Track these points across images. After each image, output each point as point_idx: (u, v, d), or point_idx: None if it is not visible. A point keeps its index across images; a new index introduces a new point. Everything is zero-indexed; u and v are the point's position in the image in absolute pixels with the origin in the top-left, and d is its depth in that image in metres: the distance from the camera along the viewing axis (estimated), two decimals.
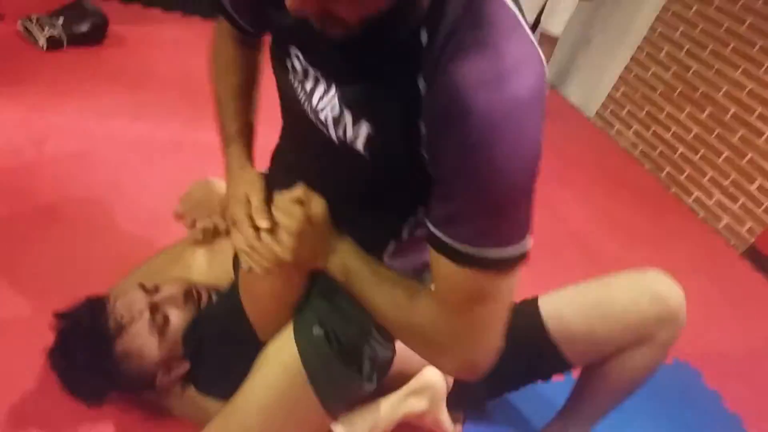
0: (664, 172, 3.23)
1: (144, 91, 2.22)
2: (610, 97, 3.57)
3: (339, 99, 0.84)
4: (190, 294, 1.12)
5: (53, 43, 2.21)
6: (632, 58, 3.45)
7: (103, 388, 1.09)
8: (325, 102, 0.86)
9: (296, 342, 1.03)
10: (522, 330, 1.20)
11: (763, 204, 2.75)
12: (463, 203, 0.72)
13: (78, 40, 2.28)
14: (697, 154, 3.07)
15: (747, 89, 2.84)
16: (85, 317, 1.06)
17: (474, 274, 0.75)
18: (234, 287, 1.10)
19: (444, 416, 1.32)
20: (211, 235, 1.24)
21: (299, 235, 0.92)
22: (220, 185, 1.27)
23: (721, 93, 2.96)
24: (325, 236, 0.95)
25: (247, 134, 1.10)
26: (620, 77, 3.51)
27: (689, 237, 2.85)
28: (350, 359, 1.07)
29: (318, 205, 0.92)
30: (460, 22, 0.69)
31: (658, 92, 3.28)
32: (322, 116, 0.86)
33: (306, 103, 0.89)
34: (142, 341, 1.07)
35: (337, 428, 1.17)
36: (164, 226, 1.61)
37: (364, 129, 0.82)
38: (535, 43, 0.70)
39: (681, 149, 3.15)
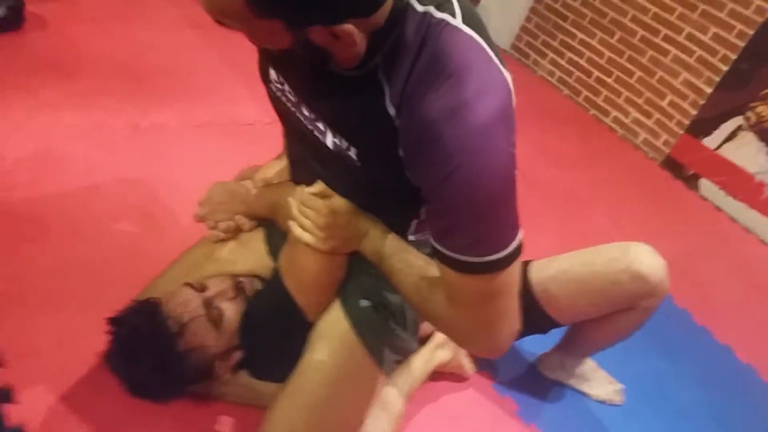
0: (582, 96, 3.46)
1: (83, 76, 2.11)
2: (523, 28, 3.73)
3: (320, 117, 0.93)
4: (238, 286, 1.17)
5: None
6: None
7: (171, 385, 1.13)
8: (312, 113, 0.95)
9: (347, 315, 1.12)
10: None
11: (674, 117, 3.05)
12: (451, 219, 0.82)
13: None
14: (610, 76, 3.31)
15: (651, 12, 3.08)
16: (143, 321, 1.09)
17: (476, 278, 0.84)
18: (275, 278, 1.16)
19: (465, 360, 1.47)
20: (234, 235, 1.28)
21: (327, 226, 1.02)
22: (237, 185, 1.30)
23: (628, 17, 3.18)
24: (353, 223, 1.05)
25: None
26: (531, 9, 3.66)
27: (612, 154, 3.12)
28: (396, 323, 1.17)
29: (338, 197, 1.02)
30: (419, 54, 0.78)
31: (569, 21, 3.47)
32: (315, 125, 0.95)
33: (297, 112, 0.98)
34: (203, 337, 1.11)
35: (388, 389, 1.27)
36: (151, 216, 1.64)
37: (353, 148, 0.91)
38: (498, 64, 0.78)
39: (596, 73, 3.38)
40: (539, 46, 3.65)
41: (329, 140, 0.94)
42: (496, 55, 0.79)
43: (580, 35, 3.42)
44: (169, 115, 2.06)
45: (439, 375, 1.45)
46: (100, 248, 1.49)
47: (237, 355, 1.17)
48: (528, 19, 3.69)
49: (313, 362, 1.11)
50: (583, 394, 1.57)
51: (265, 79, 1.03)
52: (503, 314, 0.90)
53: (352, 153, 0.92)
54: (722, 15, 2.81)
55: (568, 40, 3.49)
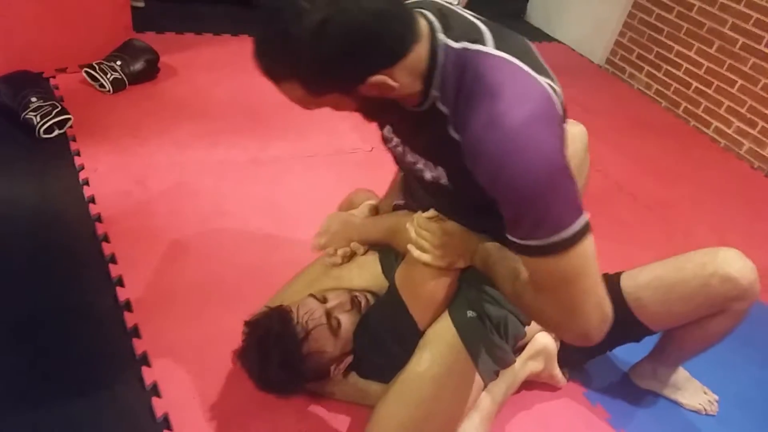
0: (681, 108, 3.41)
1: (209, 118, 2.40)
2: (618, 43, 3.73)
3: (420, 157, 1.14)
4: (355, 300, 1.34)
5: (117, 85, 2.38)
6: (634, 3, 3.60)
7: (294, 382, 1.31)
8: (413, 157, 1.16)
9: (454, 324, 1.26)
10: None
11: None
12: (512, 212, 0.93)
13: (137, 78, 2.45)
14: (710, 87, 3.25)
15: (753, 19, 3.01)
16: (275, 325, 1.27)
17: (548, 260, 0.92)
18: (389, 293, 1.32)
19: (556, 371, 1.55)
20: (348, 259, 1.47)
21: (442, 245, 1.19)
22: (349, 215, 1.51)
23: (727, 26, 3.12)
24: (464, 241, 1.21)
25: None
26: (625, 23, 3.66)
27: (715, 166, 3.06)
28: (499, 335, 1.29)
29: (450, 220, 1.20)
30: (463, 81, 0.93)
31: (665, 33, 3.44)
32: (416, 167, 1.16)
33: (405, 156, 1.19)
34: (323, 342, 1.28)
35: (483, 395, 1.39)
36: (273, 237, 1.87)
37: (443, 172, 1.10)
38: (534, 76, 0.90)
39: (695, 84, 3.33)
40: (634, 60, 3.64)
41: (428, 174, 1.14)
42: (538, 70, 0.92)
43: (677, 47, 3.39)
44: (283, 149, 2.31)
45: (531, 384, 1.55)
46: (231, 266, 1.73)
47: (349, 359, 1.34)
48: (622, 34, 3.69)
49: (422, 363, 1.25)
50: (677, 403, 1.61)
51: (385, 140, 1.24)
52: (585, 296, 0.94)
53: (444, 180, 1.11)
54: None
55: (665, 52, 3.46)
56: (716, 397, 1.62)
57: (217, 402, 1.36)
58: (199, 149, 2.21)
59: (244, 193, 2.04)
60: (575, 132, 1.48)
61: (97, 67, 2.37)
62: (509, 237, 0.96)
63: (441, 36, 0.94)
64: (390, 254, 1.41)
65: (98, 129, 2.18)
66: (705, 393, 1.62)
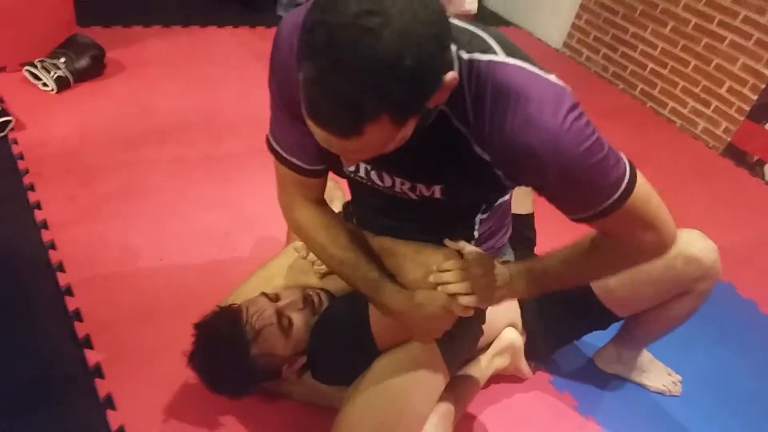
0: (638, 90, 3.44)
1: (157, 114, 2.32)
2: (574, 26, 3.74)
3: (408, 180, 1.06)
4: (308, 298, 1.30)
5: (61, 83, 2.28)
6: None
7: (245, 383, 1.27)
8: (398, 183, 1.07)
9: None
10: (574, 297, 1.39)
11: (734, 104, 2.99)
12: (576, 194, 0.95)
13: (82, 76, 2.35)
14: (665, 67, 3.28)
15: None
16: (224, 326, 1.23)
17: (624, 207, 0.95)
18: (351, 303, 1.26)
19: (523, 364, 1.54)
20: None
21: (469, 278, 1.09)
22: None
23: (680, 6, 3.15)
24: (487, 266, 1.11)
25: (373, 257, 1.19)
26: (581, 5, 3.67)
27: (672, 146, 3.10)
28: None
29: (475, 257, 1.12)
30: (484, 95, 0.89)
31: (620, 15, 3.46)
32: (396, 189, 1.08)
33: (374, 182, 1.09)
34: (273, 342, 1.24)
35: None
36: (227, 236, 1.83)
37: (438, 188, 1.04)
38: (548, 77, 0.90)
39: (650, 65, 3.36)
40: (591, 43, 3.65)
41: (413, 195, 1.07)
42: (543, 70, 0.91)
43: (632, 28, 3.41)
44: (236, 145, 2.25)
45: (498, 377, 1.53)
46: (185, 268, 1.67)
47: (302, 360, 1.30)
48: (578, 17, 3.70)
49: (388, 364, 1.22)
50: (642, 386, 1.62)
51: (339, 169, 1.12)
52: (659, 208, 1.02)
53: (438, 193, 1.05)
54: None
55: (620, 34, 3.48)
56: (679, 378, 1.64)
57: (174, 411, 1.32)
58: (148, 148, 2.13)
59: (196, 192, 1.98)
60: None
61: (39, 65, 2.27)
62: (578, 217, 0.99)
63: (452, 46, 0.87)
64: None
65: (42, 130, 2.08)
66: (669, 374, 1.64)
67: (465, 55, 0.89)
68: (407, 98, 0.75)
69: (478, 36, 0.92)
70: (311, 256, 1.40)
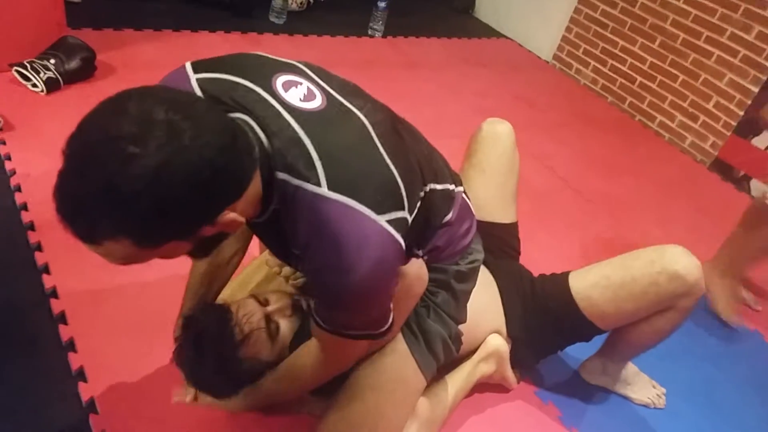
0: (627, 103, 3.48)
1: None
2: (564, 38, 3.78)
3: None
4: (297, 305, 1.30)
5: (51, 85, 2.27)
6: (580, 0, 3.64)
7: (229, 385, 1.27)
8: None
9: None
10: (558, 308, 1.42)
11: (721, 119, 3.03)
12: (322, 300, 1.06)
13: (72, 78, 2.34)
14: (654, 81, 3.32)
15: (692, 15, 3.08)
16: (212, 325, 1.22)
17: (326, 336, 1.06)
18: None
19: (508, 372, 1.54)
20: None
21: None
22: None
23: (668, 22, 3.19)
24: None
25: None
26: (571, 19, 3.71)
27: (659, 159, 3.12)
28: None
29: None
30: (295, 219, 0.91)
31: (609, 29, 3.50)
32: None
33: None
34: (260, 347, 1.24)
35: (422, 401, 1.36)
36: None
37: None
38: (371, 220, 0.88)
39: (639, 79, 3.39)
40: (581, 56, 3.69)
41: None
42: (377, 204, 0.89)
43: (622, 42, 3.45)
44: None
45: (483, 385, 1.53)
46: (172, 271, 1.65)
47: None
48: (568, 30, 3.74)
49: (366, 363, 1.24)
50: (626, 398, 1.63)
51: None
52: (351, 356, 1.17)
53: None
54: (766, 13, 2.80)
55: (610, 47, 3.52)
56: (664, 390, 1.65)
57: (158, 415, 1.31)
58: None
59: None
60: (502, 131, 1.48)
61: (29, 66, 2.25)
62: (314, 315, 1.08)
63: (275, 167, 0.89)
64: None
65: (30, 132, 2.07)
66: (654, 387, 1.65)
67: (279, 174, 0.88)
68: (152, 231, 0.76)
69: (299, 145, 0.88)
70: (285, 270, 1.41)
